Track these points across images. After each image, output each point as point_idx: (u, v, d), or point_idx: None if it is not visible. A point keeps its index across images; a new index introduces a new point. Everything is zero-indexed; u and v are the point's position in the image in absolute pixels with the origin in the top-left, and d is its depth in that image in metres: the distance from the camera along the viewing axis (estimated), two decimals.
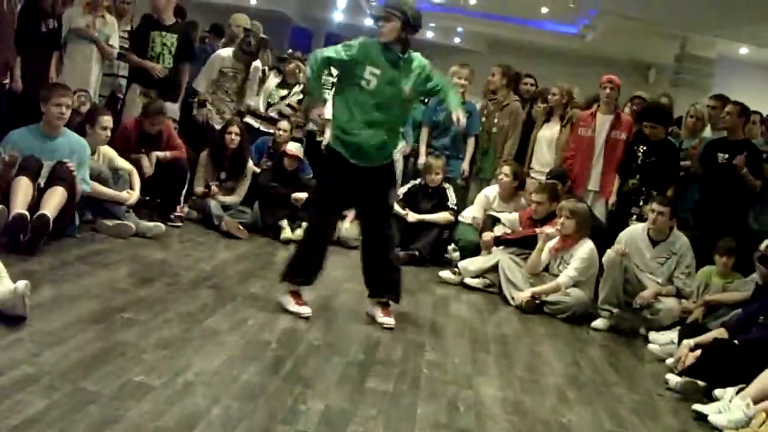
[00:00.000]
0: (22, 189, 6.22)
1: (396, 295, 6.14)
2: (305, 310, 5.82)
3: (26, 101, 7.57)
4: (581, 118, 9.20)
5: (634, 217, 8.43)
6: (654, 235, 7.59)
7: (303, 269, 5.99)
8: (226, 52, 9.77)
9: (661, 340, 7.01)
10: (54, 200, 6.40)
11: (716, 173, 8.22)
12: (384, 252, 6.09)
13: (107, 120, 7.60)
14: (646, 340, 7.21)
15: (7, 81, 7.60)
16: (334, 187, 5.90)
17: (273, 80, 10.36)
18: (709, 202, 8.29)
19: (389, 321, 5.95)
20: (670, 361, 6.36)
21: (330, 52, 5.81)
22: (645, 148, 8.57)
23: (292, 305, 5.84)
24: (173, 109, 9.29)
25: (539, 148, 9.73)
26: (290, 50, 11.05)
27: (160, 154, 8.38)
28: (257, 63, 9.87)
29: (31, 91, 7.62)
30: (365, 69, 5.68)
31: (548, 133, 9.69)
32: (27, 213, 6.02)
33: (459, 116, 5.77)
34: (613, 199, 8.81)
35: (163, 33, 9.31)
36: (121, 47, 9.23)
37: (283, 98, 10.33)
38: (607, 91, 9.02)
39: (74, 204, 6.78)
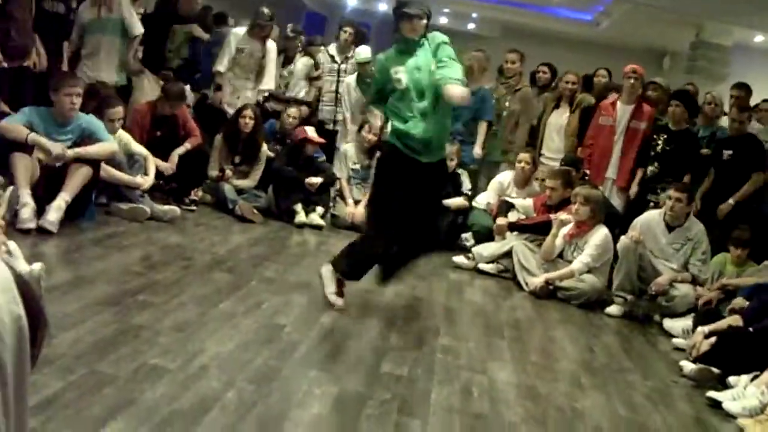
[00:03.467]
0: (23, 167, 6.26)
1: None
2: (339, 302, 5.71)
3: (36, 82, 7.56)
4: (603, 107, 9.18)
5: (651, 204, 8.40)
6: (670, 221, 7.58)
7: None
8: (241, 30, 9.79)
9: (675, 327, 6.99)
10: (77, 180, 6.54)
11: (721, 169, 8.28)
12: (416, 241, 6.09)
13: (116, 112, 7.54)
14: (661, 327, 7.20)
15: (28, 63, 7.58)
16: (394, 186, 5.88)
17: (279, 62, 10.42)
18: (713, 194, 8.33)
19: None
20: (678, 342, 6.37)
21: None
22: (665, 136, 8.58)
23: (330, 290, 5.73)
24: (188, 93, 9.33)
25: (549, 135, 9.76)
26: (290, 25, 10.97)
27: (180, 150, 8.39)
28: (271, 44, 9.86)
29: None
30: (390, 75, 5.68)
31: (558, 119, 9.70)
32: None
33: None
34: (634, 189, 8.79)
35: (183, 26, 9.42)
36: None
37: (291, 73, 10.43)
38: (632, 81, 8.99)
39: (96, 184, 6.83)
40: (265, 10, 9.70)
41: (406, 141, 5.67)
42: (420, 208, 5.85)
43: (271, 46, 9.85)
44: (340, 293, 5.73)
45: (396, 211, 5.75)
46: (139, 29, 8.77)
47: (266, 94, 10.03)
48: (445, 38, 5.79)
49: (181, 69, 9.44)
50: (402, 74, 5.61)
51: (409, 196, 5.74)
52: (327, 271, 5.77)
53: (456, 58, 5.71)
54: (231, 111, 9.44)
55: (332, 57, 10.52)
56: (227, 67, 9.61)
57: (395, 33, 5.79)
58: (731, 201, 8.21)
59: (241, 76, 9.70)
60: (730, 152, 8.24)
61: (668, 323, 7.13)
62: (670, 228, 7.58)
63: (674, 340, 6.88)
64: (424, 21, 5.71)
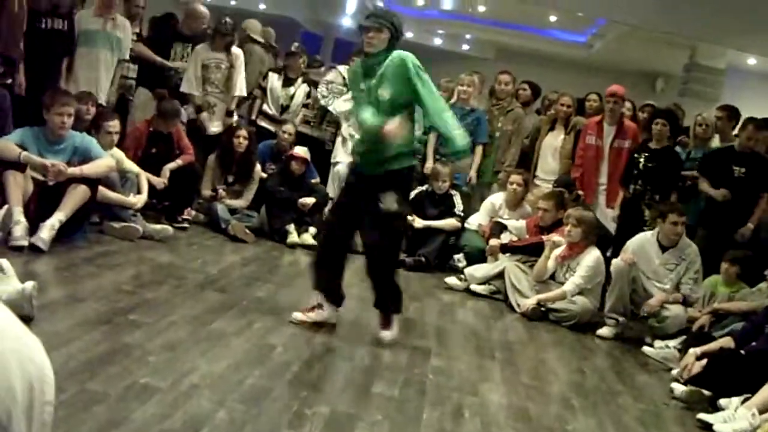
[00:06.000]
0: (15, 184, 6.26)
1: (384, 309, 5.86)
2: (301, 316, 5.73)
3: (30, 101, 7.55)
4: (589, 126, 9.23)
5: (643, 211, 8.43)
6: (664, 242, 7.58)
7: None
8: (202, 45, 9.67)
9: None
10: (74, 201, 6.59)
11: (732, 187, 8.18)
12: (372, 262, 5.82)
13: (113, 125, 7.61)
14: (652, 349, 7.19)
15: (11, 81, 7.57)
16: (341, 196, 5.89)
17: (276, 82, 10.40)
18: (719, 212, 8.25)
19: (385, 334, 5.72)
20: (675, 371, 6.37)
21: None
22: (647, 155, 8.60)
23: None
24: (182, 112, 9.36)
25: (544, 156, 9.79)
26: (296, 44, 11.04)
27: (172, 165, 8.41)
28: (237, 50, 9.84)
29: (34, 91, 7.61)
30: (352, 92, 5.65)
31: (553, 141, 9.73)
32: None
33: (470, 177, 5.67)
34: (616, 211, 8.81)
35: (184, 44, 9.44)
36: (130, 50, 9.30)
37: (292, 97, 10.40)
38: (611, 105, 9.07)
39: (92, 205, 6.85)
40: (227, 19, 9.68)
41: (357, 154, 5.81)
42: (370, 220, 5.66)
43: (237, 52, 9.79)
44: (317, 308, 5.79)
45: (338, 218, 5.79)
46: (127, 55, 8.84)
47: (238, 104, 10.04)
48: (409, 57, 5.48)
49: (178, 87, 9.46)
50: (359, 93, 5.64)
51: (356, 207, 5.68)
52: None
53: (425, 78, 5.51)
54: (214, 129, 9.47)
55: (344, 78, 10.47)
56: (197, 87, 9.57)
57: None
58: (750, 225, 8.17)
59: (214, 92, 9.64)
60: (743, 170, 8.21)
61: (658, 345, 7.14)
62: (663, 248, 7.59)
63: (645, 347, 7.00)
64: (384, 35, 5.45)
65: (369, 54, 5.54)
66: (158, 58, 9.45)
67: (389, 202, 5.52)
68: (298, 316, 5.69)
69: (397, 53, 5.48)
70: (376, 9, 5.74)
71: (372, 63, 5.54)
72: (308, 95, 10.58)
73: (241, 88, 9.85)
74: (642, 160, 8.61)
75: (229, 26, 9.64)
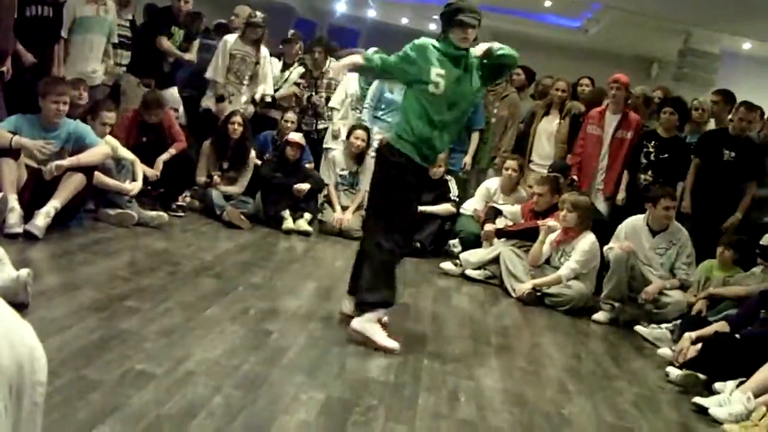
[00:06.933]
0: (9, 171, 6.26)
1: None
2: (395, 344, 5.20)
3: (17, 87, 7.53)
4: (591, 116, 9.16)
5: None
6: (654, 226, 7.60)
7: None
8: (233, 36, 9.78)
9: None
10: (69, 188, 6.60)
11: (720, 169, 8.22)
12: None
13: (110, 117, 7.57)
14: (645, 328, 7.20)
15: (4, 69, 7.55)
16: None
17: (276, 67, 10.43)
18: (708, 195, 8.29)
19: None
20: (661, 351, 6.43)
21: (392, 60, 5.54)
22: (656, 143, 8.57)
23: (381, 337, 5.23)
24: (174, 96, 9.34)
25: (539, 141, 9.76)
26: (292, 31, 11.12)
27: (165, 156, 8.37)
28: (265, 50, 9.89)
29: (20, 78, 7.59)
30: (431, 73, 5.41)
31: (548, 126, 9.71)
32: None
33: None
34: (621, 195, 8.78)
35: (178, 28, 9.54)
36: (122, 36, 9.23)
37: (286, 80, 10.43)
38: (614, 91, 8.96)
39: (88, 192, 6.84)
40: (258, 13, 9.72)
41: (421, 148, 5.45)
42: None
43: (266, 51, 9.86)
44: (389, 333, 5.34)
45: (411, 217, 5.64)
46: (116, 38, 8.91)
47: (268, 99, 10.04)
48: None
49: (175, 71, 9.50)
50: (442, 80, 5.42)
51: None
52: (361, 322, 5.27)
53: None
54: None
55: (310, 72, 10.58)
56: (223, 76, 9.62)
57: (441, 34, 5.56)
58: (738, 215, 8.22)
59: (234, 82, 9.69)
60: (733, 154, 8.23)
61: (652, 324, 7.16)
62: (654, 233, 7.61)
63: (637, 327, 7.10)
64: (477, 29, 5.52)
65: (459, 47, 5.52)
66: (179, 53, 9.61)
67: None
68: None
69: (472, 50, 5.59)
70: (469, 4, 5.59)
71: (460, 55, 5.52)
72: (302, 75, 10.59)
73: (268, 87, 9.98)
74: (652, 149, 8.59)
75: (260, 20, 9.65)
